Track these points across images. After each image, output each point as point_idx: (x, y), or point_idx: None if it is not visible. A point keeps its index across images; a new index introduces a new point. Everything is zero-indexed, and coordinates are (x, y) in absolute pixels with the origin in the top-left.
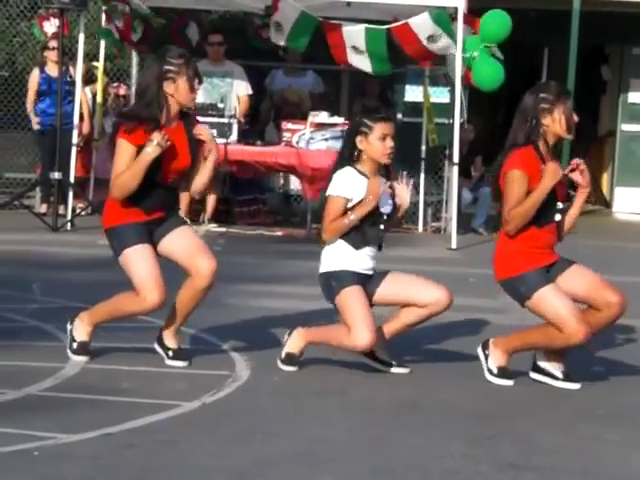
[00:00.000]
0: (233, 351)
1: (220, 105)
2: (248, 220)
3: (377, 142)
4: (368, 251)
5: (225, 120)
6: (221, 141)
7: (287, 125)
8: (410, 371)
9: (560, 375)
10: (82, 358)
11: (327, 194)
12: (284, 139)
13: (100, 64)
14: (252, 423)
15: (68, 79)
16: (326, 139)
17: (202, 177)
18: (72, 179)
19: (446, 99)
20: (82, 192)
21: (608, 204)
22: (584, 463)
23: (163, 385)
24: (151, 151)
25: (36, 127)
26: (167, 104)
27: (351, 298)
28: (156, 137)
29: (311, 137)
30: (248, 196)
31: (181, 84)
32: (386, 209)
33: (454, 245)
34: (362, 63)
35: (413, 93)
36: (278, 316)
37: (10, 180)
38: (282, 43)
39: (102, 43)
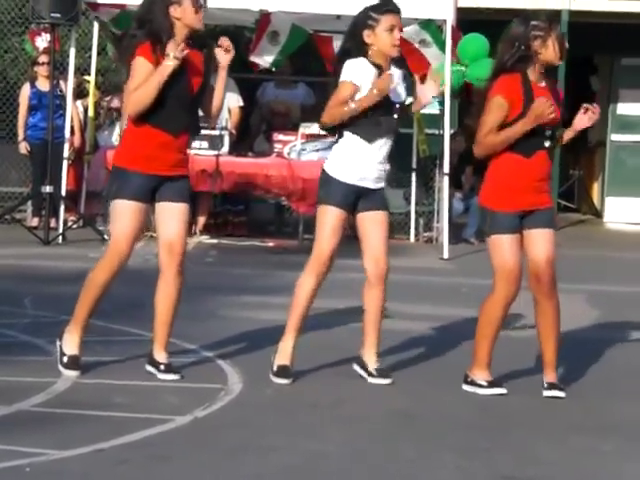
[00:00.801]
0: (225, 363)
1: None
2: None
3: (384, 34)
4: (377, 154)
5: (217, 132)
6: (212, 153)
7: (278, 136)
8: (392, 382)
9: (546, 384)
10: (73, 373)
11: (339, 80)
12: (275, 150)
13: (92, 78)
14: (245, 437)
15: (58, 93)
16: (317, 150)
17: (218, 91)
18: (63, 192)
19: (436, 110)
20: (73, 205)
21: (599, 214)
22: (580, 475)
23: (155, 399)
24: (170, 64)
25: (23, 150)
26: (175, 28)
27: (324, 219)
28: (172, 50)
29: (302, 148)
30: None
31: (187, 6)
32: (398, 98)
33: (446, 255)
34: None
35: None
36: (270, 328)
37: (2, 194)
38: (267, 64)
39: (94, 57)
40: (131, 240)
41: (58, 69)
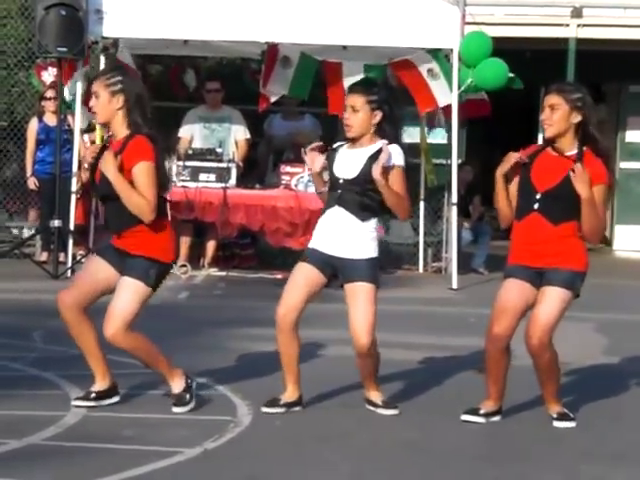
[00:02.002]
0: (234, 395)
1: (218, 150)
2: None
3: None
4: (334, 224)
5: (224, 165)
6: (220, 185)
7: (285, 168)
8: (399, 412)
9: (555, 415)
10: (79, 403)
11: None
12: (283, 182)
13: None
14: (255, 469)
15: (66, 127)
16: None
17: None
18: (72, 226)
19: (443, 140)
20: (82, 239)
21: (608, 242)
22: None
23: (165, 432)
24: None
25: (32, 185)
26: None
27: (293, 272)
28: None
29: (309, 180)
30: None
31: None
32: (343, 174)
33: (455, 285)
34: None
35: (411, 134)
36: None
37: (10, 229)
38: (284, 92)
39: None
40: (73, 294)
41: (66, 103)
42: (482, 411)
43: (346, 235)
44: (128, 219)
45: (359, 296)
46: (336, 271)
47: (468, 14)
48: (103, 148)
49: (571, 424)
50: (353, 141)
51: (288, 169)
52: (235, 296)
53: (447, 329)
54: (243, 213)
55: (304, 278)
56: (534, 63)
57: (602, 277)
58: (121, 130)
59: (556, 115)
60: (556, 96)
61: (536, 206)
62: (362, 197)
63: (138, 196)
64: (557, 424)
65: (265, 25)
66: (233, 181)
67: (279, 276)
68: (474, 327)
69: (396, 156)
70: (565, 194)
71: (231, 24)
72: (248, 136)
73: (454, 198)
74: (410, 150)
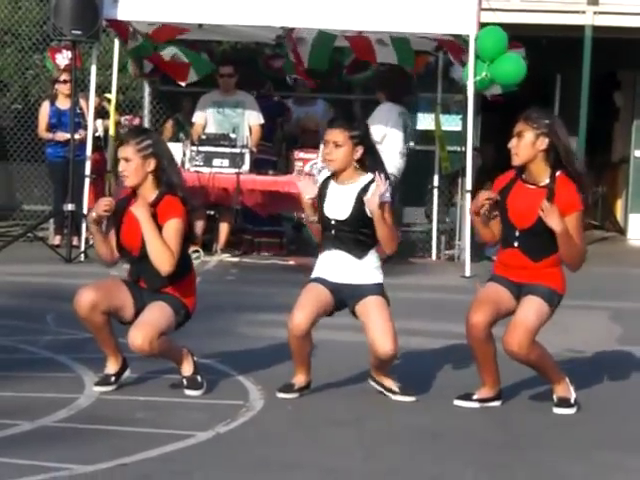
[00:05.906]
0: (246, 380)
1: (232, 135)
2: (265, 251)
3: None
4: (337, 261)
5: (237, 150)
6: (233, 171)
7: (299, 154)
8: (416, 399)
9: (555, 400)
10: (98, 389)
11: None
12: (296, 168)
13: (113, 96)
14: (267, 453)
15: (78, 111)
16: None
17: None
18: (85, 210)
19: (458, 127)
20: None
21: (622, 231)
22: None
23: (177, 415)
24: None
25: (60, 137)
26: None
27: (304, 289)
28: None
29: (323, 166)
30: (269, 228)
31: None
32: (335, 215)
33: (468, 273)
34: (388, 56)
35: (425, 121)
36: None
37: (24, 212)
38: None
39: (114, 75)
40: (87, 295)
41: (79, 87)
42: (475, 396)
43: (350, 268)
44: (166, 277)
45: (374, 308)
46: (343, 299)
47: (484, 0)
48: (124, 201)
49: (570, 411)
50: (337, 176)
51: (302, 155)
52: (248, 282)
53: (460, 316)
54: (257, 198)
55: (309, 297)
56: (550, 50)
57: (616, 265)
58: (151, 192)
59: (522, 143)
60: (522, 124)
61: (516, 244)
62: (356, 235)
63: (164, 245)
64: (555, 410)
65: (280, 9)
66: (246, 167)
67: (292, 262)
68: None
69: (386, 192)
70: (542, 230)
71: (246, 8)
72: (262, 121)
73: (468, 185)
74: (424, 137)
